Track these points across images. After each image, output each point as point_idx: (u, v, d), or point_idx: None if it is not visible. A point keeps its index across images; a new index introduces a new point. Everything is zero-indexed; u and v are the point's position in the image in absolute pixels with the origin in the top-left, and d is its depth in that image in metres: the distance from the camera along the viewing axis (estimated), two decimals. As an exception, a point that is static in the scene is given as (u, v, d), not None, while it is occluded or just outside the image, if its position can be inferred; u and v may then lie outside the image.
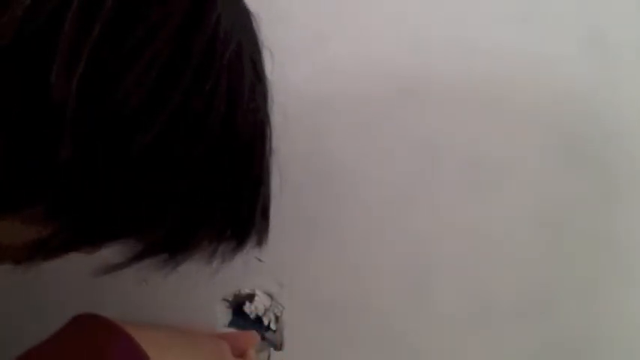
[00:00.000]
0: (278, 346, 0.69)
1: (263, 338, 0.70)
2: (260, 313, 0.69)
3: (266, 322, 0.69)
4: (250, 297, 0.69)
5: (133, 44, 0.32)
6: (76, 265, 0.73)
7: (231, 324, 0.70)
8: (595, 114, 0.66)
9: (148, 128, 0.33)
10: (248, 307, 0.69)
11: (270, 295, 0.69)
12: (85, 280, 0.73)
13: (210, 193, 0.37)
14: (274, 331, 0.69)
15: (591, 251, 0.65)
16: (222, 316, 0.71)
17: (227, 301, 0.70)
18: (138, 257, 0.40)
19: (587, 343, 0.65)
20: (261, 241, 0.44)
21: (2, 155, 0.31)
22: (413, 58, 0.67)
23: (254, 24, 0.40)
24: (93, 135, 0.32)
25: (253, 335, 0.61)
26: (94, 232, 0.37)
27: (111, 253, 0.41)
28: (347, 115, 0.68)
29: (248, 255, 0.69)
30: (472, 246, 0.67)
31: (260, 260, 0.69)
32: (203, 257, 0.42)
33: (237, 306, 0.70)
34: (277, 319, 0.69)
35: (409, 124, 0.67)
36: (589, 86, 0.66)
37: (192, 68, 0.34)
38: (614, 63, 0.66)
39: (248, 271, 0.69)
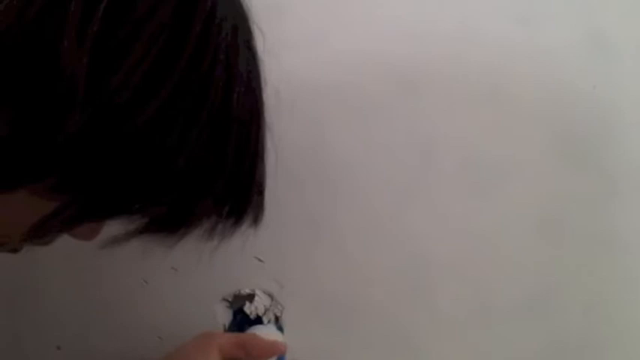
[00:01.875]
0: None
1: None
2: (260, 313, 0.69)
3: (266, 322, 0.69)
4: (250, 297, 0.69)
5: (137, 17, 0.34)
6: (77, 265, 0.73)
7: (232, 324, 0.71)
8: (595, 114, 0.66)
9: (153, 98, 0.34)
10: (248, 307, 0.69)
11: (270, 295, 0.69)
12: (87, 280, 0.73)
13: (210, 166, 0.38)
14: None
15: (591, 251, 0.65)
16: (222, 316, 0.71)
17: (227, 301, 0.70)
18: (141, 231, 0.40)
19: (588, 343, 0.65)
20: (257, 219, 0.45)
21: (14, 126, 0.32)
22: (413, 56, 0.67)
23: (246, 9, 0.42)
24: (102, 104, 0.33)
25: (274, 346, 0.59)
26: (100, 205, 0.37)
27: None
28: (348, 116, 0.68)
29: (248, 255, 0.70)
30: (472, 246, 0.67)
31: (260, 260, 0.69)
32: (203, 235, 0.42)
33: (238, 306, 0.70)
34: (277, 319, 0.69)
35: (409, 123, 0.67)
36: (589, 86, 0.66)
37: (193, 42, 0.35)
38: (614, 63, 0.66)
39: (248, 271, 0.69)
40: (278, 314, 0.69)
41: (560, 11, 0.66)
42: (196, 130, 0.36)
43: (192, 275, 0.71)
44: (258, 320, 0.69)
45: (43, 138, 0.33)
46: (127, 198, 0.37)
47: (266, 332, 0.62)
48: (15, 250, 0.42)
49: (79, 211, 0.37)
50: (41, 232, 0.38)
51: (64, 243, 0.76)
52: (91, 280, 0.73)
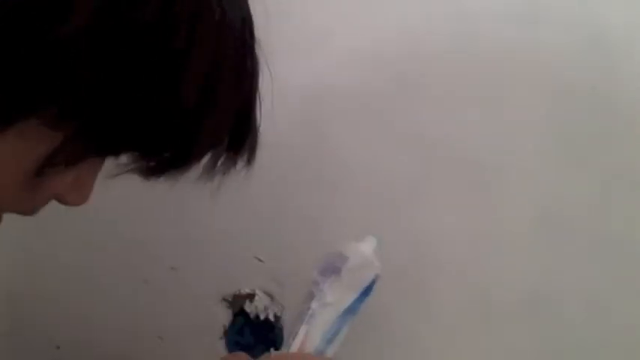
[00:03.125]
0: (278, 346, 0.69)
1: (264, 339, 0.70)
2: (260, 313, 0.69)
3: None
4: (250, 297, 0.69)
5: None
6: (77, 265, 0.73)
7: (232, 324, 0.71)
8: (595, 114, 0.66)
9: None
10: (248, 307, 0.69)
11: (270, 295, 0.69)
12: (87, 281, 0.73)
13: (213, 86, 0.37)
14: (274, 331, 0.69)
15: (591, 250, 0.65)
16: (222, 316, 0.71)
17: (227, 301, 0.70)
18: (145, 158, 0.38)
19: (588, 343, 0.65)
20: (250, 158, 0.43)
21: (21, 44, 0.31)
22: (413, 56, 0.67)
23: None
24: (106, 5, 0.31)
25: None
26: (104, 136, 0.35)
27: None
28: (348, 116, 0.68)
29: (248, 255, 0.70)
30: (472, 246, 0.67)
31: (260, 260, 0.69)
32: (203, 172, 0.41)
33: (238, 306, 0.70)
34: (277, 318, 0.69)
35: (409, 123, 0.67)
36: (590, 85, 0.66)
37: None
38: (614, 62, 0.66)
39: (248, 271, 0.69)
40: (278, 314, 0.69)
41: (560, 11, 0.66)
42: (202, 32, 0.35)
43: (192, 275, 0.71)
44: (257, 319, 0.70)
45: (42, 42, 0.31)
46: (130, 126, 0.35)
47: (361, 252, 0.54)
48: (22, 209, 0.40)
49: (83, 144, 0.35)
50: (46, 170, 0.35)
51: (64, 243, 0.76)
52: (91, 280, 0.73)
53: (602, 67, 0.65)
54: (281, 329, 0.69)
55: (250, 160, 0.43)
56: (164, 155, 0.38)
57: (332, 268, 0.51)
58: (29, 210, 0.40)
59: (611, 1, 0.65)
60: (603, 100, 0.65)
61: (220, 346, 0.71)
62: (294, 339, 0.48)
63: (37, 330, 0.74)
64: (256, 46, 0.40)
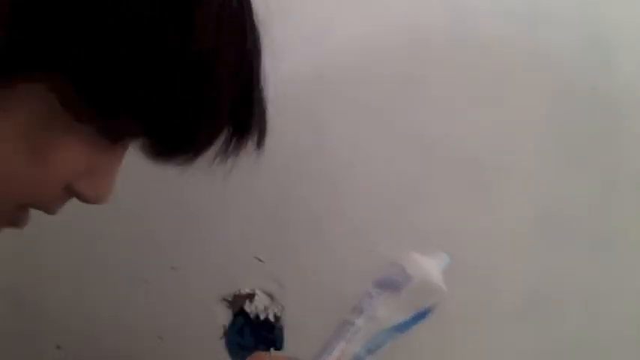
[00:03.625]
0: (278, 346, 0.69)
1: (264, 339, 0.70)
2: (260, 313, 0.69)
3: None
4: (250, 297, 0.69)
5: None
6: (77, 265, 0.73)
7: (232, 324, 0.71)
8: (595, 114, 0.66)
9: None
10: (248, 307, 0.69)
11: (270, 295, 0.69)
12: (87, 280, 0.73)
13: (216, 82, 0.37)
14: (274, 331, 0.69)
15: (591, 250, 0.65)
16: (222, 316, 0.71)
17: (227, 301, 0.70)
18: (150, 138, 0.38)
19: (588, 343, 0.65)
20: (260, 141, 0.43)
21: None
22: (413, 56, 0.67)
23: None
24: None
25: None
26: (101, 99, 0.35)
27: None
28: (348, 116, 0.68)
29: (248, 255, 0.70)
30: (472, 246, 0.67)
31: (260, 260, 0.69)
32: (213, 157, 0.41)
33: (238, 306, 0.70)
34: (277, 318, 0.69)
35: (410, 123, 0.67)
36: (590, 85, 0.66)
37: None
38: (614, 62, 0.66)
39: (248, 271, 0.69)
40: (278, 314, 0.69)
41: (560, 11, 0.66)
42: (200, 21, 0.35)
43: (192, 275, 0.71)
44: (257, 319, 0.70)
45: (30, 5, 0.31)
46: (139, 102, 0.35)
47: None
48: (16, 224, 0.40)
49: (83, 100, 0.35)
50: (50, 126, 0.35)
51: (65, 243, 0.76)
52: (91, 280, 0.73)
53: (602, 67, 0.65)
54: (281, 329, 0.69)
55: (260, 145, 0.42)
56: (167, 136, 0.38)
57: (391, 284, 0.46)
58: (46, 199, 0.39)
59: (611, 1, 0.65)
60: (603, 100, 0.65)
61: (220, 346, 0.71)
62: (329, 354, 0.44)
63: (37, 330, 0.74)
64: (255, 18, 0.40)
